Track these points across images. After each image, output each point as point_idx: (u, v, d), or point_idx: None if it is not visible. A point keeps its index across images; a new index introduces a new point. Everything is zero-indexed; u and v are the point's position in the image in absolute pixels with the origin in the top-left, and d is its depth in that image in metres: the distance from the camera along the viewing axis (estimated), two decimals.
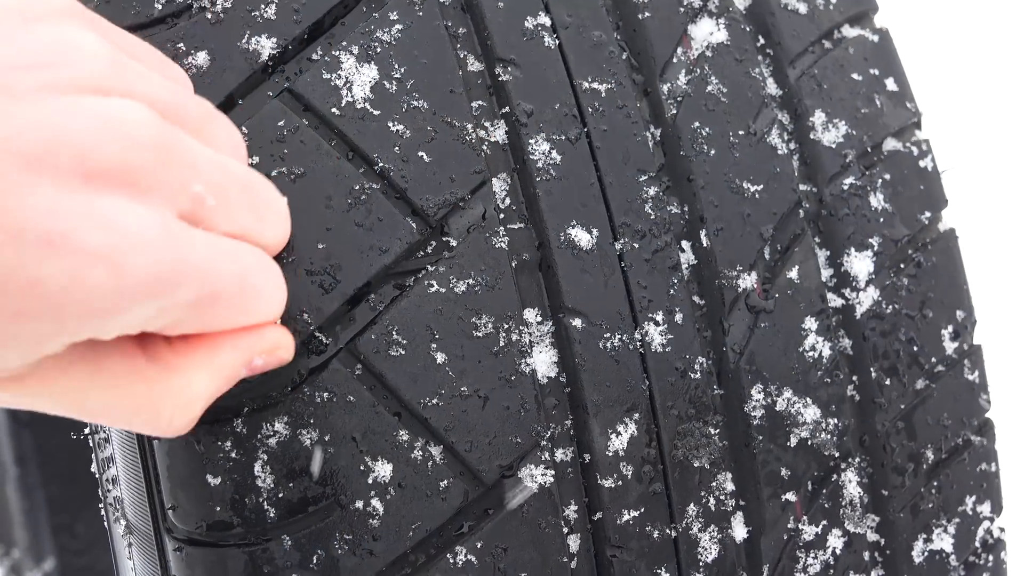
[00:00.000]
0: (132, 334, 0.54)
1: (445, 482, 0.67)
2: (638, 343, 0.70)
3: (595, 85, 0.72)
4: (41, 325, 0.49)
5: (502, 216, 0.69)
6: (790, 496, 0.73)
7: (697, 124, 0.73)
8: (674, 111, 0.73)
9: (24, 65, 0.50)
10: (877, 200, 0.77)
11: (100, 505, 0.83)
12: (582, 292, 0.69)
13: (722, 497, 0.72)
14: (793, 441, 0.73)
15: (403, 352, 0.66)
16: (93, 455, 0.79)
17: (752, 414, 0.72)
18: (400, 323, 0.66)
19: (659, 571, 0.70)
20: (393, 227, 0.67)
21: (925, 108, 0.83)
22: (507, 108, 0.71)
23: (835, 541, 0.75)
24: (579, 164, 0.71)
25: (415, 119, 0.69)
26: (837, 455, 0.74)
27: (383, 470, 0.66)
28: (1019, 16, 2.42)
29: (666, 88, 0.74)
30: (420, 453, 0.66)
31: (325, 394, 0.65)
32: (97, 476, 0.80)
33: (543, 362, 0.69)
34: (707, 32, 0.75)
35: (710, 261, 0.72)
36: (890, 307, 0.76)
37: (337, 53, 0.69)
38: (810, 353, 0.74)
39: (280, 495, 0.65)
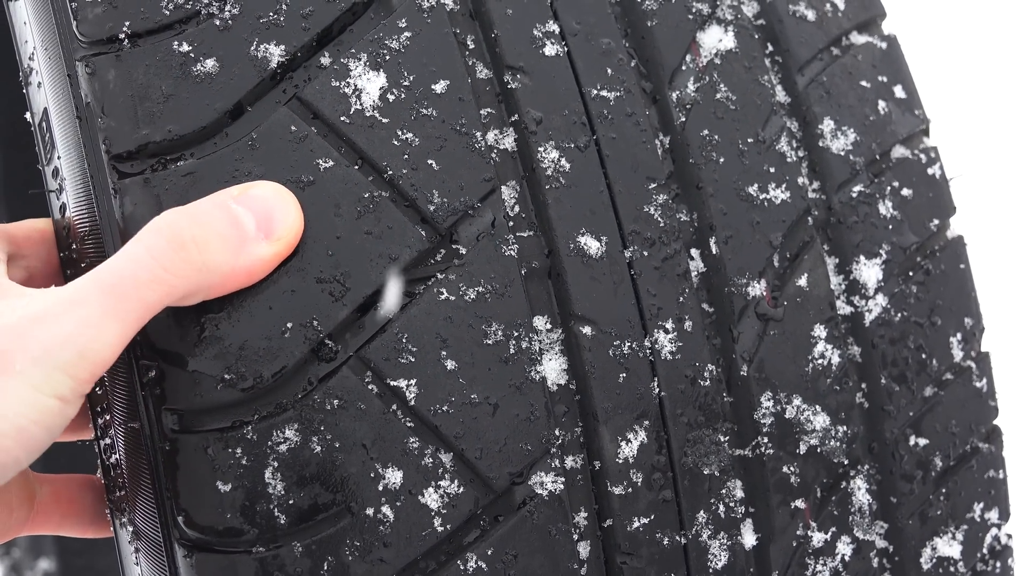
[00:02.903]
0: None
1: (455, 489, 0.67)
2: (648, 350, 0.70)
3: (604, 93, 0.72)
4: None
5: (511, 224, 0.69)
6: (799, 503, 0.73)
7: (706, 131, 0.73)
8: (683, 119, 0.73)
9: None
10: (886, 207, 0.77)
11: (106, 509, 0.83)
12: (591, 300, 0.70)
13: (732, 504, 0.72)
14: (803, 448, 0.73)
15: (413, 360, 0.66)
16: (98, 460, 0.79)
17: (762, 421, 0.72)
18: (410, 331, 0.67)
19: None
20: (402, 235, 0.67)
21: (933, 115, 0.83)
22: (516, 116, 0.71)
23: (844, 548, 0.75)
24: (588, 172, 0.71)
25: (424, 127, 0.69)
26: (846, 462, 0.74)
27: (393, 477, 0.66)
28: None
29: (675, 96, 0.74)
30: (430, 460, 0.66)
31: (335, 401, 0.65)
32: (102, 481, 0.80)
33: (553, 369, 0.69)
34: (716, 39, 0.75)
35: (719, 269, 0.72)
36: (899, 314, 0.76)
37: (346, 60, 0.69)
38: (819, 361, 0.74)
39: (290, 501, 0.65)
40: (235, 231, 0.64)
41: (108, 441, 0.76)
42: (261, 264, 0.65)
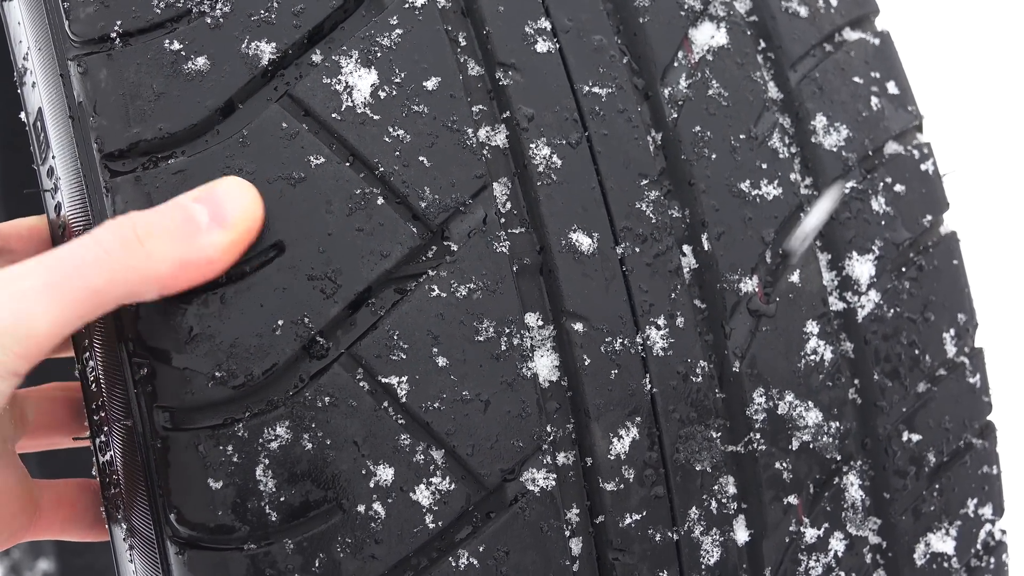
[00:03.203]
0: None
1: (447, 486, 0.67)
2: (640, 347, 0.70)
3: (596, 89, 0.72)
4: None
5: (503, 220, 0.69)
6: (792, 499, 0.73)
7: (698, 128, 0.73)
8: (675, 115, 0.73)
9: None
10: (878, 204, 0.77)
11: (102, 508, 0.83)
12: (583, 296, 0.70)
13: (724, 500, 0.72)
14: (795, 444, 0.73)
15: (404, 356, 0.66)
16: (93, 459, 0.79)
17: (754, 418, 0.72)
18: (401, 328, 0.67)
19: (661, 574, 0.71)
20: (394, 232, 0.67)
21: (926, 111, 0.83)
22: (508, 112, 0.71)
23: (837, 544, 0.75)
24: (580, 168, 0.71)
25: (415, 124, 0.69)
26: (839, 458, 0.74)
27: (385, 474, 0.66)
28: (1020, 18, 2.42)
29: (667, 92, 0.74)
30: (422, 457, 0.66)
31: (327, 398, 0.65)
32: (97, 479, 0.80)
33: (544, 366, 0.69)
34: (708, 36, 0.75)
35: (711, 265, 0.72)
36: (892, 310, 0.76)
37: (337, 58, 0.69)
38: (812, 357, 0.74)
39: (282, 499, 0.65)
40: (186, 225, 0.65)
41: (103, 439, 0.76)
42: (219, 252, 0.65)
